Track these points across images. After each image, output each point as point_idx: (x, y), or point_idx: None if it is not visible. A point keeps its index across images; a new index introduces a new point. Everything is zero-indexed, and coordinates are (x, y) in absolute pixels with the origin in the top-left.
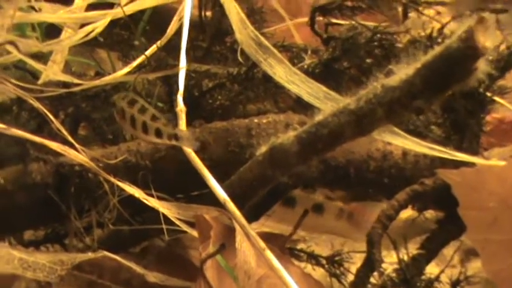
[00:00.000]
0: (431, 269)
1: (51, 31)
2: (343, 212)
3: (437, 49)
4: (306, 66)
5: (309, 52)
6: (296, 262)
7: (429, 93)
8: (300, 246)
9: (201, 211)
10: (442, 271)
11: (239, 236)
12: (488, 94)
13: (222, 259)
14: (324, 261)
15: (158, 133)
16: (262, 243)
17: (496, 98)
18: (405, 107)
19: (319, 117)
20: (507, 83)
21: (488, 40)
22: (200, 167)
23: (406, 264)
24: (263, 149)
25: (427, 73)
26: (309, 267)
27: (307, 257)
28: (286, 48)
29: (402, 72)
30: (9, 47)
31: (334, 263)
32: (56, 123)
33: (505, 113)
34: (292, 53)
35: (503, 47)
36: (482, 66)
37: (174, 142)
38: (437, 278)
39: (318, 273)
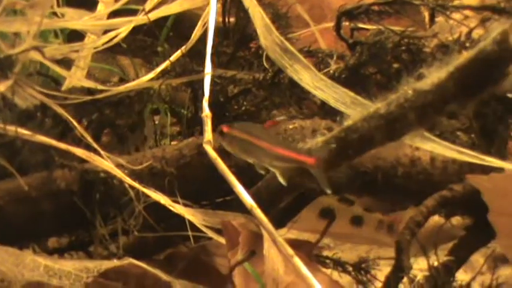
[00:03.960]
0: (460, 276)
1: (74, 38)
2: (383, 223)
3: (470, 52)
4: (331, 72)
5: (335, 57)
6: (323, 269)
7: (463, 97)
8: (326, 253)
9: (227, 218)
10: (473, 278)
11: (267, 243)
12: None
13: (249, 266)
14: (350, 268)
15: None
16: (290, 250)
17: None
18: (438, 111)
19: (348, 123)
20: None
21: None
22: (226, 173)
23: (436, 271)
24: None
25: (460, 76)
26: (335, 274)
27: (333, 264)
28: (311, 53)
29: (434, 75)
30: (33, 54)
31: (360, 270)
32: (81, 130)
33: None
34: (318, 59)
35: None
36: None
37: None
38: (468, 285)
39: (345, 280)
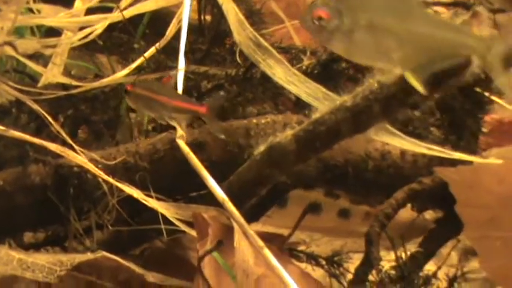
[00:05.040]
0: (431, 268)
1: (51, 35)
2: (370, 215)
3: None
4: (304, 67)
5: (308, 53)
6: (296, 263)
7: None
8: (301, 248)
9: (199, 211)
10: (439, 267)
11: (237, 235)
12: (487, 94)
13: (220, 257)
14: (323, 262)
15: None
16: (260, 242)
17: (495, 98)
18: (401, 102)
19: (316, 116)
20: None
21: (483, 34)
22: (198, 167)
23: (403, 261)
24: (261, 148)
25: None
26: (308, 268)
27: (306, 258)
28: (285, 50)
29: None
30: (7, 49)
31: (333, 263)
32: (55, 125)
33: (504, 114)
34: (291, 55)
35: None
36: (477, 61)
37: None
38: (434, 275)
39: (318, 273)
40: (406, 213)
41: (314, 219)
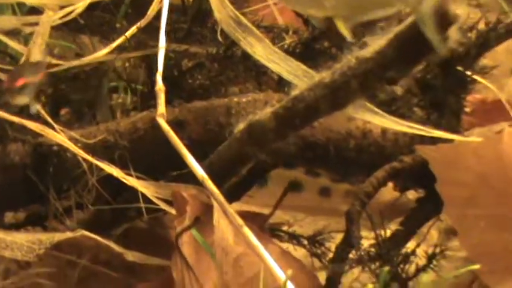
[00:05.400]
0: (412, 247)
1: (32, 14)
2: (350, 193)
3: (409, 18)
4: (286, 46)
5: (290, 32)
6: (278, 243)
7: (401, 63)
8: (283, 228)
9: (179, 189)
10: (418, 245)
11: (216, 213)
12: (469, 73)
13: (199, 235)
14: (305, 241)
15: None
16: (239, 220)
17: (477, 77)
18: (378, 77)
19: (295, 92)
20: (489, 63)
21: (459, 8)
22: (178, 145)
23: (382, 239)
24: (241, 126)
25: (399, 43)
26: (290, 248)
27: (288, 238)
28: (267, 29)
29: (376, 43)
30: None
31: (315, 243)
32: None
33: (487, 94)
34: (274, 34)
35: (482, 24)
36: (454, 35)
37: None
38: (413, 252)
39: (300, 253)
40: (389, 195)
41: (295, 198)
